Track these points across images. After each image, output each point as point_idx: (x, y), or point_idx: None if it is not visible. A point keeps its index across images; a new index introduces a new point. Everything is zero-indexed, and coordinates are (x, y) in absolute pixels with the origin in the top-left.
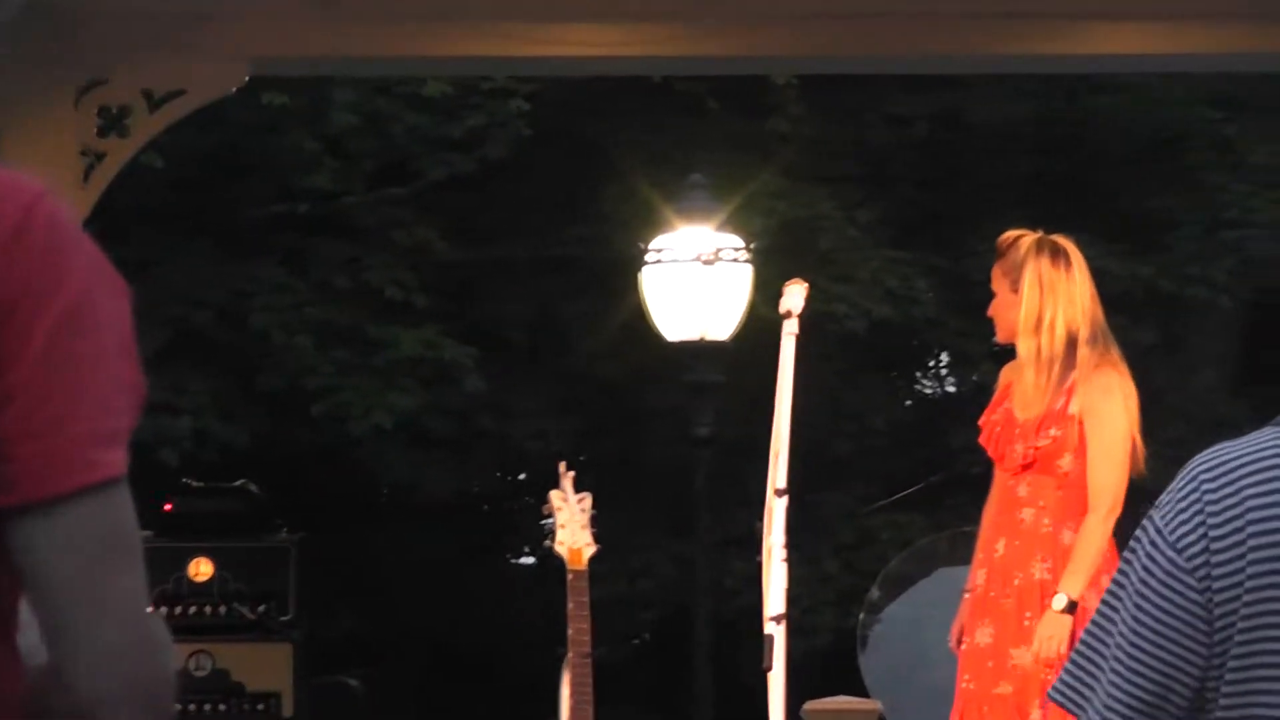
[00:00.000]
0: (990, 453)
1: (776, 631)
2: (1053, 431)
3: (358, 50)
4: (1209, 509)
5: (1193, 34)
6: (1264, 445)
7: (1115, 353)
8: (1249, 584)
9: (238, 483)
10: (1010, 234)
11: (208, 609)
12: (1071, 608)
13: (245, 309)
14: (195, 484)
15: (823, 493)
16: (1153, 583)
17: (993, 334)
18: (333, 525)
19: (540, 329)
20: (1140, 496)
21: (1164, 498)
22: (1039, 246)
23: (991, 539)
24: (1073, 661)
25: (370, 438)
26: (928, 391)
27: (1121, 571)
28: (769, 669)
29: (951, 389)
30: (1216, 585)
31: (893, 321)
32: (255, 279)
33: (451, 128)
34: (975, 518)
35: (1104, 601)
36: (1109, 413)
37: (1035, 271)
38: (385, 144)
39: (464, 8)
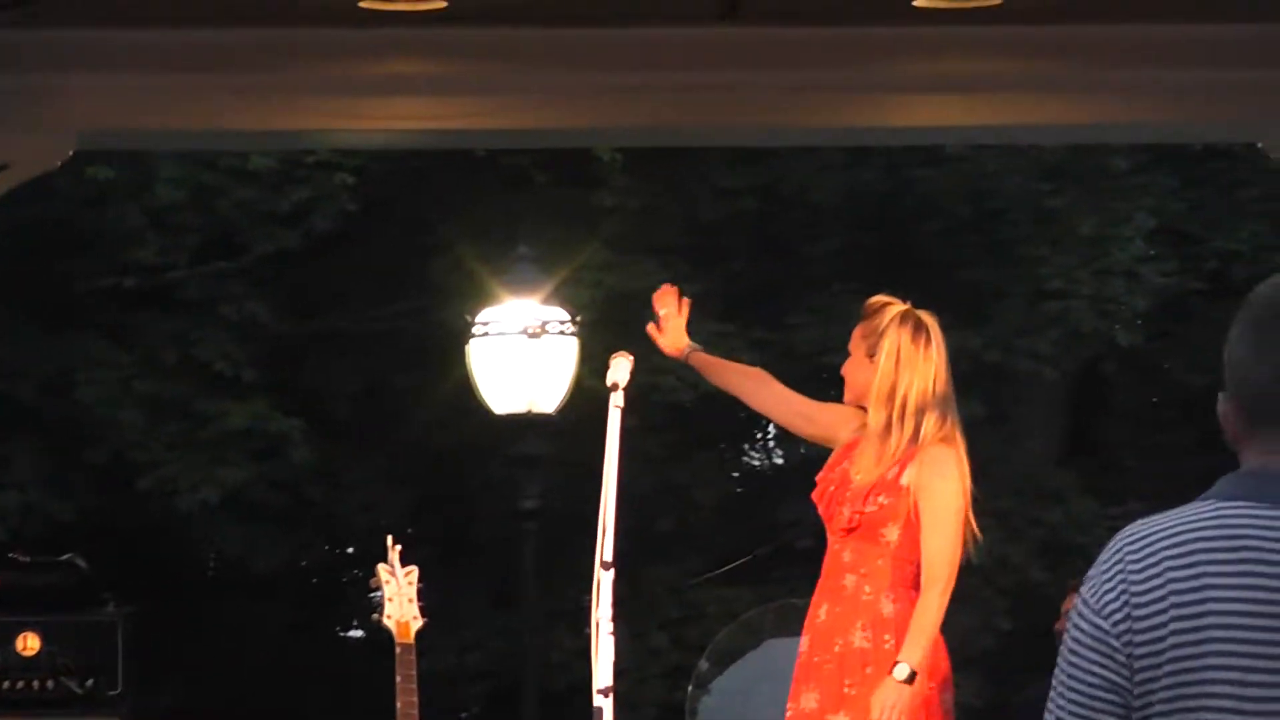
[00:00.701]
0: (820, 510)
1: (604, 704)
2: (881, 499)
3: (182, 124)
4: (1131, 578)
5: (1010, 106)
6: (1185, 520)
7: (958, 432)
8: (1171, 653)
9: (65, 556)
10: (877, 300)
11: (35, 684)
12: (912, 678)
13: (72, 383)
14: (22, 558)
15: (650, 566)
16: (1079, 649)
17: (829, 399)
18: (161, 599)
19: (369, 401)
20: (966, 570)
21: (1090, 572)
22: (902, 319)
23: (817, 604)
24: None
25: (199, 511)
26: (755, 464)
27: (1061, 646)
28: None
29: (779, 461)
30: (1139, 652)
31: (720, 394)
32: (82, 352)
33: (277, 201)
34: (802, 590)
35: (1054, 680)
36: (944, 489)
37: (895, 343)
38: (211, 218)
39: (288, 82)
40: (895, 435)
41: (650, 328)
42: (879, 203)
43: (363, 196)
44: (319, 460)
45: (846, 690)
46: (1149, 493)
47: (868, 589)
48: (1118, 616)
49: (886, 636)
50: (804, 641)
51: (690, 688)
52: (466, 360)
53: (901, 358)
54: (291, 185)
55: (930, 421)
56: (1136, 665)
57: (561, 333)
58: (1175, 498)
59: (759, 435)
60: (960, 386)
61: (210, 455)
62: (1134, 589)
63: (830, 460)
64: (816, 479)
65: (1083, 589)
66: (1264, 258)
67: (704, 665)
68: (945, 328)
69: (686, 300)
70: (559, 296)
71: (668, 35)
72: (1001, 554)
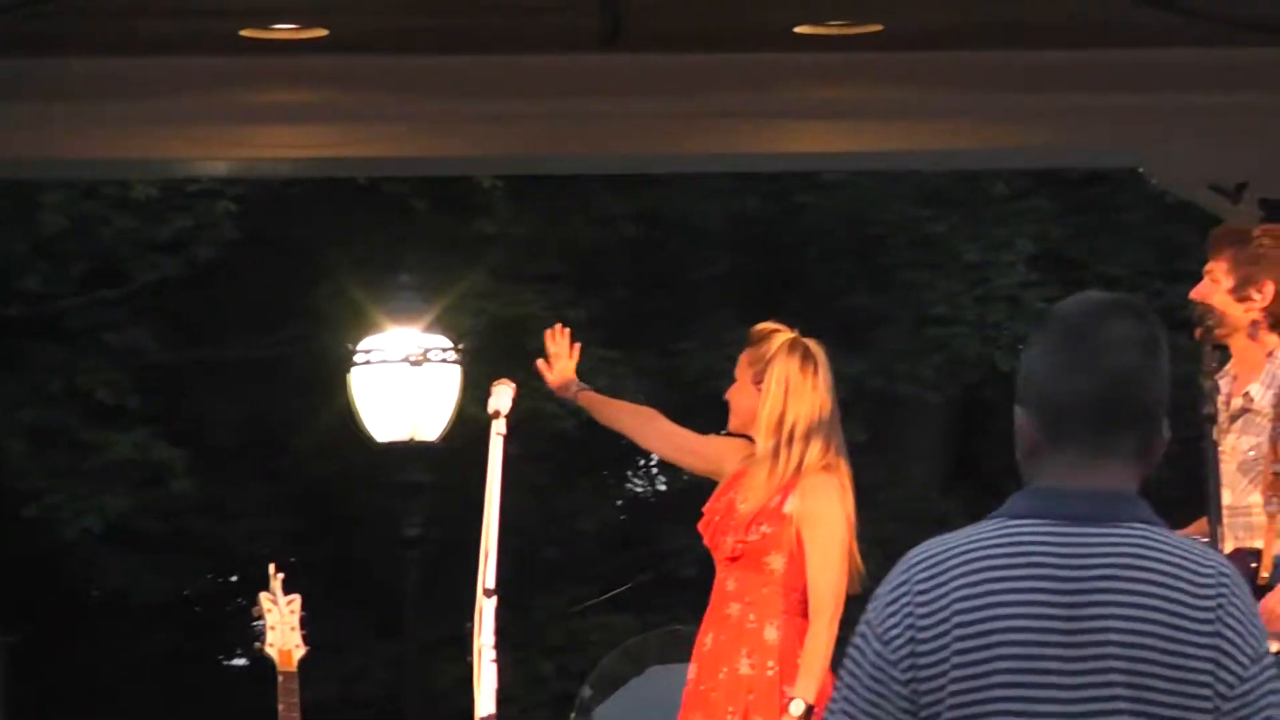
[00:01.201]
0: (706, 540)
1: None
2: (763, 528)
3: (63, 152)
4: (916, 600)
5: (891, 132)
6: (976, 539)
7: (843, 459)
8: (953, 672)
9: None
10: (764, 326)
11: None
12: (809, 712)
13: None
14: None
15: (534, 594)
16: (860, 674)
17: (714, 427)
18: (44, 628)
19: (252, 430)
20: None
21: (878, 590)
22: (790, 347)
23: (704, 632)
24: None
25: (82, 540)
26: (639, 491)
27: (845, 658)
28: None
29: (662, 488)
30: (922, 675)
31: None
32: None
33: (159, 230)
34: (685, 617)
35: (835, 689)
36: (826, 517)
37: (783, 371)
38: (95, 246)
39: (170, 111)
40: (782, 463)
41: (540, 364)
42: (762, 229)
43: (245, 224)
44: (202, 489)
45: (730, 717)
46: None
47: (752, 617)
48: (899, 642)
49: (770, 664)
50: (692, 669)
51: (573, 715)
52: (348, 388)
53: (790, 386)
54: (174, 213)
55: (815, 449)
56: (921, 690)
57: (444, 360)
58: None
59: (642, 463)
60: (843, 412)
61: (94, 484)
62: (918, 609)
63: (717, 491)
64: (703, 509)
65: (869, 610)
66: (1144, 282)
67: (587, 692)
68: (827, 354)
69: (577, 344)
70: (441, 324)
71: (549, 63)
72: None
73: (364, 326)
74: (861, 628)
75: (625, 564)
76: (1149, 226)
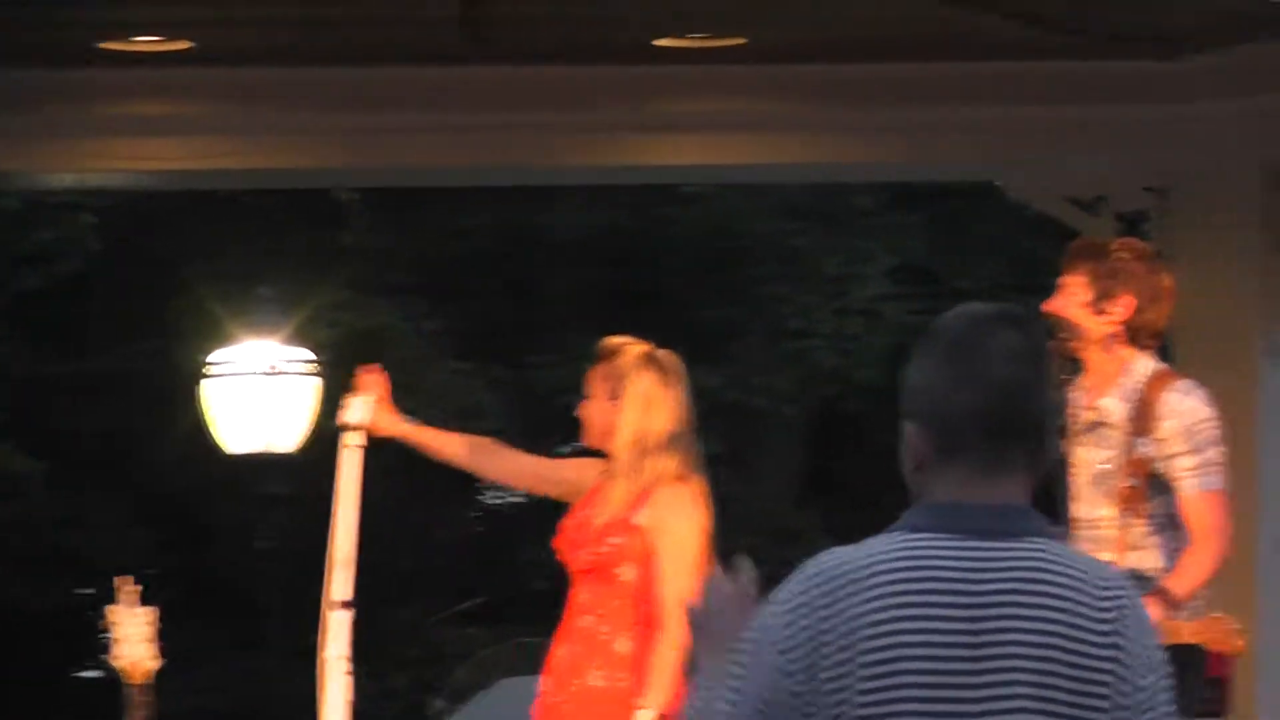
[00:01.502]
0: (561, 555)
1: None
2: (615, 540)
3: None
4: (819, 615)
5: (753, 145)
6: (877, 553)
7: (698, 471)
8: (860, 685)
9: None
10: (615, 341)
11: None
12: None
13: None
14: None
15: (389, 606)
16: (752, 684)
17: (569, 439)
18: None
19: (111, 442)
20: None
21: (776, 594)
22: (645, 360)
23: (557, 644)
24: None
25: None
26: (495, 504)
27: (736, 653)
28: None
29: (519, 500)
30: (824, 689)
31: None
32: None
33: (19, 242)
34: (539, 630)
35: (694, 698)
36: (680, 529)
37: (640, 385)
38: None
39: (30, 123)
40: (640, 475)
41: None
42: (621, 241)
43: (106, 237)
44: (62, 501)
45: None
46: None
47: (605, 629)
48: (799, 653)
49: (621, 676)
50: (545, 682)
51: None
52: (200, 400)
53: (648, 399)
54: (34, 226)
55: (671, 461)
56: (823, 701)
57: (301, 372)
58: None
59: None
60: (699, 425)
61: None
62: (821, 625)
63: (574, 507)
64: (559, 526)
65: (761, 621)
66: (1001, 295)
67: (439, 703)
68: (686, 365)
69: (385, 377)
70: (299, 336)
71: (410, 75)
72: None
73: (222, 339)
74: (751, 638)
75: (480, 577)
76: (1007, 240)
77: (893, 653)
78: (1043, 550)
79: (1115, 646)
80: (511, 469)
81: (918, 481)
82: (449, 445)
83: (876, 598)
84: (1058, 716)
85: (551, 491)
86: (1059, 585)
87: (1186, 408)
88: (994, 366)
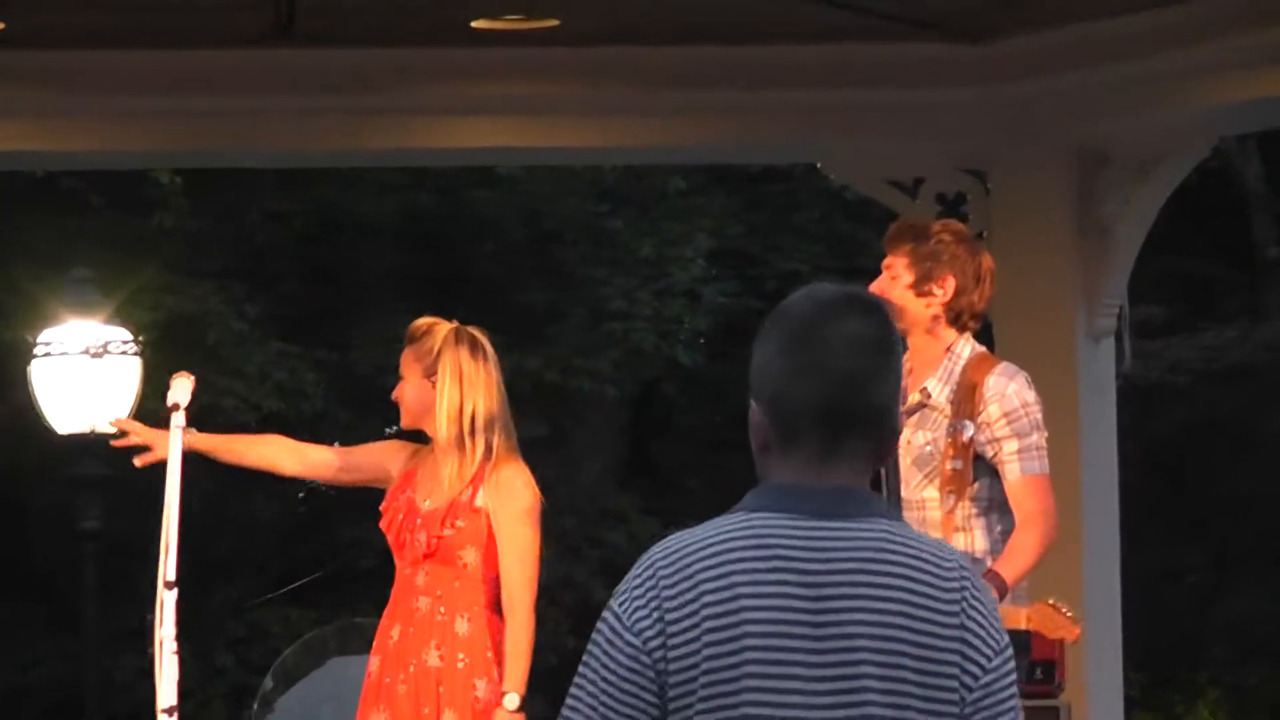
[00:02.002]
0: (391, 539)
1: None
2: (459, 523)
3: None
4: (664, 594)
5: (566, 128)
6: (717, 533)
7: (516, 448)
8: (704, 665)
9: None
10: (424, 321)
11: None
12: (521, 706)
13: None
14: None
15: (214, 586)
16: (614, 669)
17: (392, 420)
18: None
19: None
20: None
21: (621, 586)
22: (456, 337)
23: (388, 626)
24: None
25: None
26: (319, 485)
27: (585, 659)
28: None
29: None
30: (672, 668)
31: (283, 414)
32: None
33: None
34: (364, 609)
35: (571, 691)
36: (518, 510)
37: (454, 361)
38: None
39: None
40: (469, 453)
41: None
42: (435, 224)
43: None
44: None
45: (426, 712)
46: (711, 513)
47: (442, 610)
48: (650, 633)
49: (461, 655)
50: (373, 662)
51: (254, 707)
52: (29, 381)
53: (464, 375)
54: None
55: (498, 437)
56: (670, 681)
57: (124, 353)
58: None
59: None
60: (520, 407)
61: None
62: (667, 604)
63: (391, 491)
64: (381, 508)
65: (614, 604)
66: (822, 278)
67: (268, 684)
68: (503, 349)
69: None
70: (120, 318)
71: (224, 58)
72: (564, 573)
73: (39, 319)
74: (606, 624)
75: (304, 557)
76: (827, 222)
77: (736, 630)
78: (886, 530)
79: (962, 627)
80: (306, 460)
81: (763, 462)
82: (235, 445)
83: (719, 575)
84: (905, 696)
85: (355, 479)
86: (903, 565)
87: (1010, 391)
88: (837, 357)
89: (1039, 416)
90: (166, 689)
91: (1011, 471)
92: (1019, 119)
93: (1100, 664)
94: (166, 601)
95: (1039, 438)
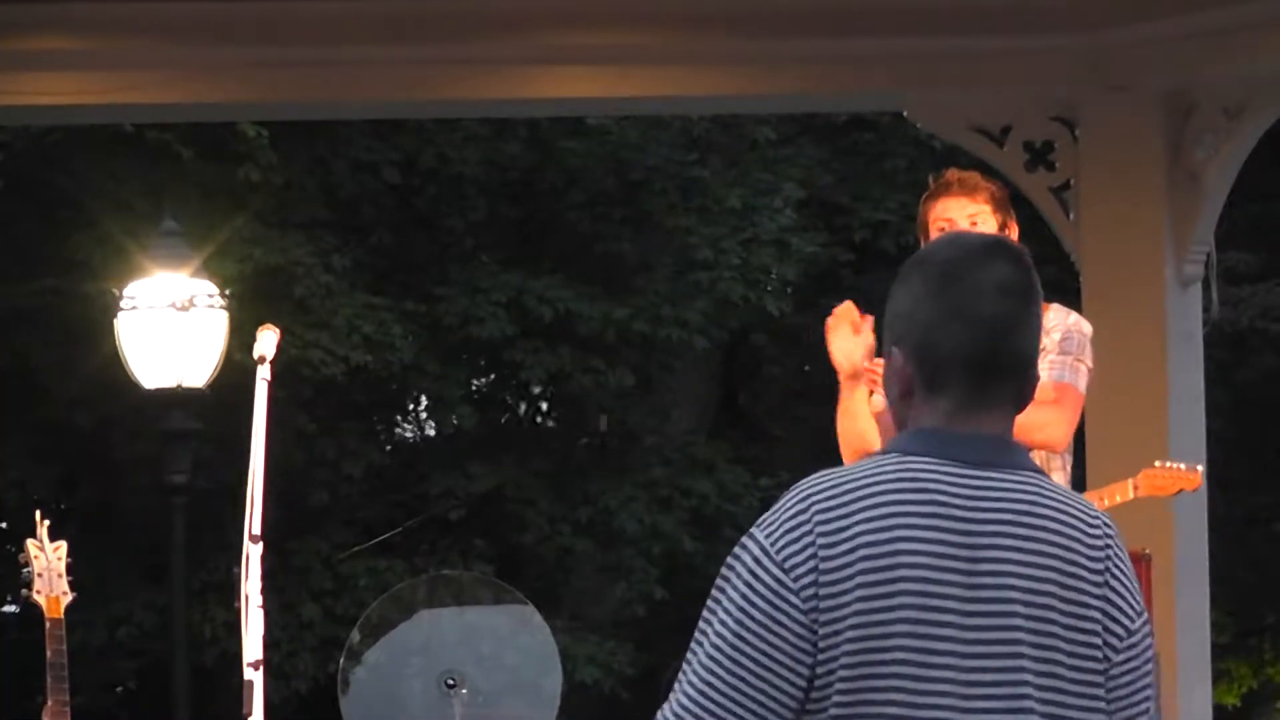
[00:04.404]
0: None
1: (255, 677)
2: None
3: None
4: (819, 529)
5: (643, 78)
6: (877, 473)
7: None
8: (856, 606)
9: None
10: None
11: None
12: None
13: None
14: None
15: (301, 539)
16: (756, 600)
17: (479, 372)
18: None
19: (15, 378)
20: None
21: (769, 516)
22: None
23: None
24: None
25: None
26: (407, 436)
27: (718, 586)
28: (249, 715)
29: (430, 433)
30: (823, 606)
31: (370, 366)
32: None
33: None
34: (452, 562)
35: (700, 626)
36: None
37: None
38: None
39: None
40: None
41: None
42: (522, 175)
43: (7, 172)
44: None
45: None
46: (798, 463)
47: None
48: (801, 570)
49: None
50: None
51: (342, 659)
52: (115, 335)
53: None
54: None
55: None
56: (821, 620)
57: (210, 306)
58: (825, 468)
59: (411, 407)
60: (609, 356)
61: None
62: (821, 539)
63: None
64: None
65: (758, 535)
66: (911, 228)
67: (356, 637)
68: (591, 299)
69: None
70: (206, 271)
71: (309, 8)
72: (653, 523)
73: (128, 273)
74: (749, 558)
75: (392, 509)
76: (915, 171)
77: (892, 573)
78: (1036, 484)
79: (1107, 585)
80: None
81: (903, 409)
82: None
83: (876, 517)
84: (1054, 650)
85: None
86: (1054, 520)
87: (1070, 321)
88: (984, 302)
89: (1088, 346)
90: (252, 643)
91: (1041, 377)
92: (1106, 67)
93: (1189, 611)
94: (252, 555)
95: (1079, 359)
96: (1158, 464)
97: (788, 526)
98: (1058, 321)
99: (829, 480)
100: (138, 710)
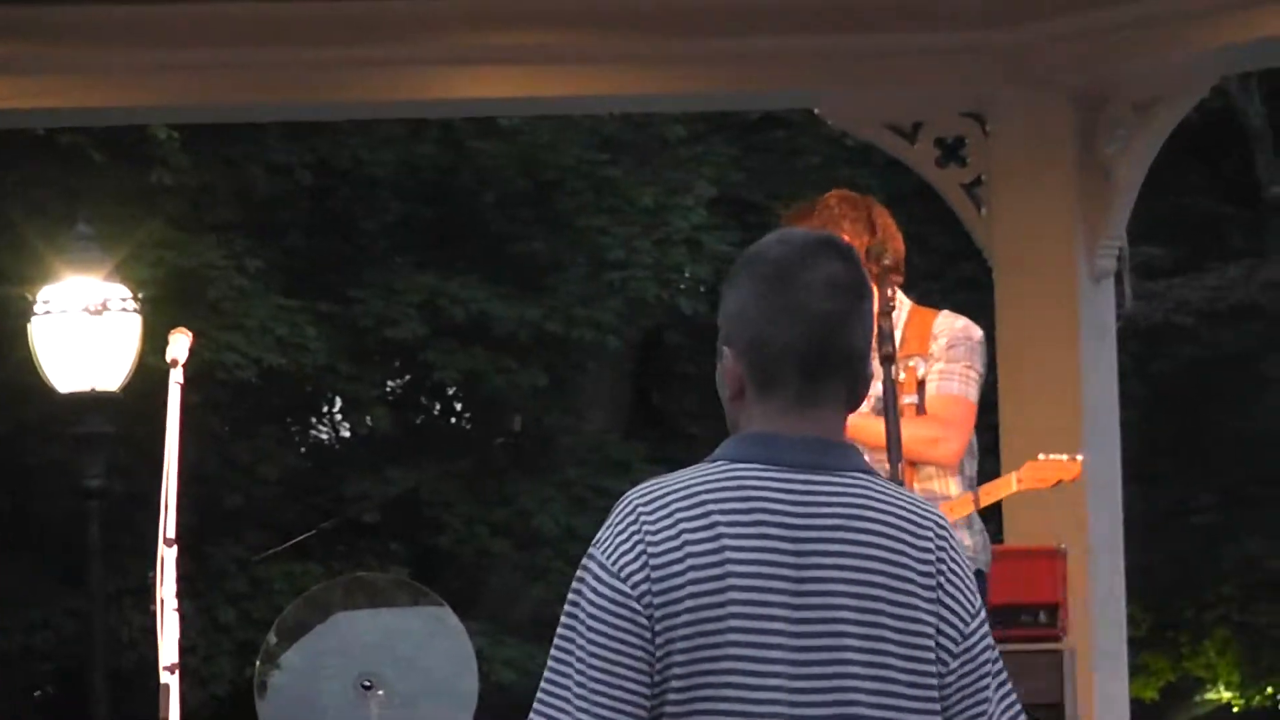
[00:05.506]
0: None
1: (171, 681)
2: None
3: None
4: (649, 538)
5: (555, 77)
6: (699, 480)
7: None
8: (686, 616)
9: None
10: None
11: None
12: None
13: None
14: None
15: (216, 542)
16: (601, 614)
17: (392, 374)
18: None
19: None
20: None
21: (603, 533)
22: None
23: None
24: (540, 700)
25: None
26: (322, 438)
27: (567, 612)
28: (165, 719)
29: (345, 434)
30: (658, 613)
31: (284, 369)
32: None
33: None
34: (368, 564)
35: (558, 636)
36: None
37: None
38: None
39: None
40: None
41: None
42: (436, 176)
43: None
44: None
45: None
46: None
47: None
48: (637, 578)
49: None
50: None
51: (259, 663)
52: (29, 339)
53: None
54: None
55: None
56: (657, 627)
57: (124, 310)
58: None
59: (325, 410)
60: (522, 357)
61: None
62: (651, 546)
63: None
64: None
65: (595, 552)
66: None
67: (272, 640)
68: (505, 299)
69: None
70: (121, 275)
71: (219, 10)
72: (570, 524)
73: (41, 276)
74: (589, 572)
75: (307, 511)
76: (827, 168)
77: (721, 582)
78: (866, 486)
79: (939, 588)
80: None
81: (735, 410)
82: None
83: (704, 524)
84: (885, 654)
85: None
86: (883, 523)
87: (958, 326)
88: (812, 299)
89: (979, 351)
90: (168, 646)
91: (929, 389)
92: (1017, 62)
93: (1104, 605)
94: (167, 558)
95: (970, 367)
96: (1040, 456)
97: (620, 539)
98: (945, 327)
99: (654, 490)
100: (54, 715)
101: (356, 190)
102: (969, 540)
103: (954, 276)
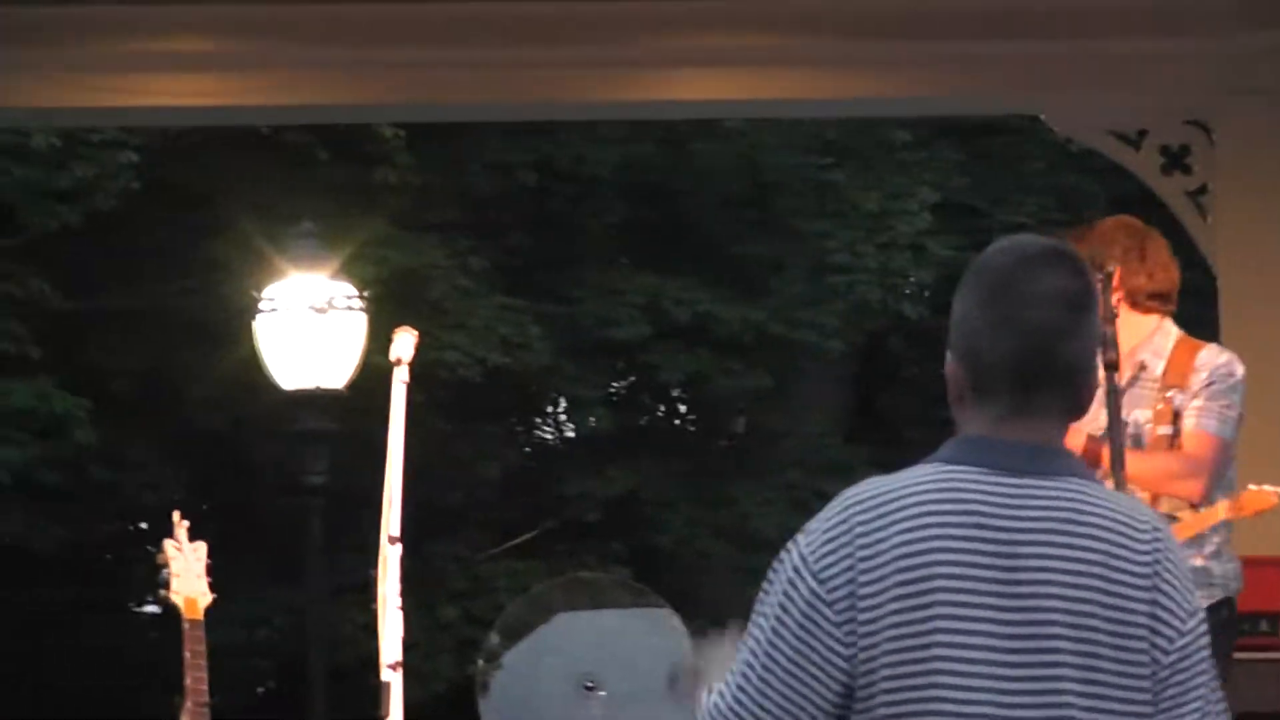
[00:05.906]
0: None
1: (393, 679)
2: None
3: None
4: (859, 542)
5: (778, 80)
6: (915, 483)
7: None
8: (891, 619)
9: None
10: None
11: None
12: None
13: None
14: None
15: (438, 541)
16: (791, 609)
17: (618, 374)
18: None
19: (153, 379)
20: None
21: (813, 524)
22: None
23: None
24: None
25: None
26: (545, 437)
27: (763, 589)
28: (386, 716)
29: (569, 434)
30: (860, 619)
31: (507, 368)
32: None
33: (59, 179)
34: (589, 564)
35: (751, 618)
36: None
37: None
38: None
39: (72, 59)
40: None
41: None
42: (656, 176)
43: (146, 174)
44: (103, 439)
45: None
46: None
47: None
48: (838, 582)
49: None
50: None
51: (480, 661)
52: (253, 337)
53: None
54: (74, 163)
55: None
56: (859, 631)
57: (349, 308)
58: None
59: (549, 409)
60: (744, 358)
61: None
62: (860, 551)
63: None
64: None
65: (800, 541)
66: (1047, 231)
67: (494, 639)
68: (726, 301)
69: None
70: (344, 272)
71: (447, 10)
72: (790, 526)
73: (265, 274)
74: (789, 565)
75: (529, 510)
76: (1052, 175)
77: (928, 584)
78: (1080, 490)
79: (1155, 590)
80: None
81: (958, 413)
82: None
83: (913, 528)
84: (1097, 659)
85: None
86: (1097, 527)
87: (1221, 360)
88: (1030, 310)
89: (1240, 389)
90: (390, 644)
91: (1187, 424)
92: (1243, 70)
93: None
94: (390, 556)
95: (1228, 406)
96: (1251, 487)
97: (828, 538)
98: (1208, 362)
99: (869, 490)
100: (275, 711)
101: (578, 190)
102: (1218, 569)
103: (1179, 285)
